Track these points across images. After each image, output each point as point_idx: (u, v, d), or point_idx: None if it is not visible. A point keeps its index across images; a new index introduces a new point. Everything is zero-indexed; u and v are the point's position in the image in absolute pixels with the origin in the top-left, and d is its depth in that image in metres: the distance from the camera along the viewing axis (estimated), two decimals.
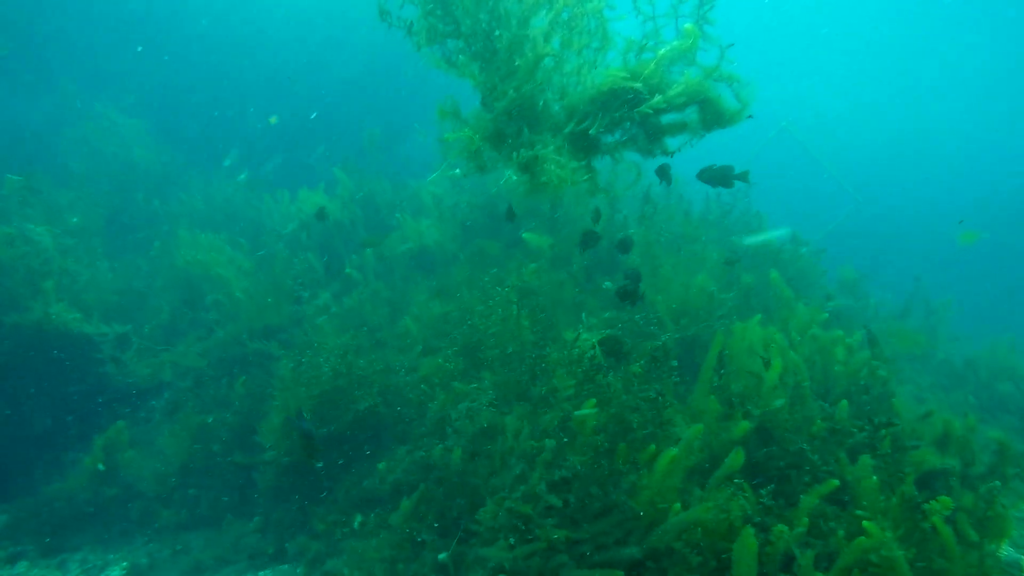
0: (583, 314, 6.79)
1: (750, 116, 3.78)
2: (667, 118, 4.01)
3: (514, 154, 4.01)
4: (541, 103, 4.01)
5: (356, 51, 16.28)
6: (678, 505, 3.58)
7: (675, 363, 4.74)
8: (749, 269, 8.52)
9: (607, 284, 8.52)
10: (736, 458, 3.62)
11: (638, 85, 3.68)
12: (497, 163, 4.38)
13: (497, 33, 3.86)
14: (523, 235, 8.92)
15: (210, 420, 7.84)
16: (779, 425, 4.05)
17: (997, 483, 3.51)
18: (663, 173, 4.49)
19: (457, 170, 4.71)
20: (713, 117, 3.86)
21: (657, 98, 3.69)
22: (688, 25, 3.83)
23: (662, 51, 3.75)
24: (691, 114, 3.95)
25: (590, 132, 3.91)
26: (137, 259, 10.89)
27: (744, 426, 3.91)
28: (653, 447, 4.03)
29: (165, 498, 7.56)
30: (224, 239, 9.97)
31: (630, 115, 3.81)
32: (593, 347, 5.70)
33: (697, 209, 9.71)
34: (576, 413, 4.59)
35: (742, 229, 8.96)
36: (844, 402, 4.18)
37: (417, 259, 10.10)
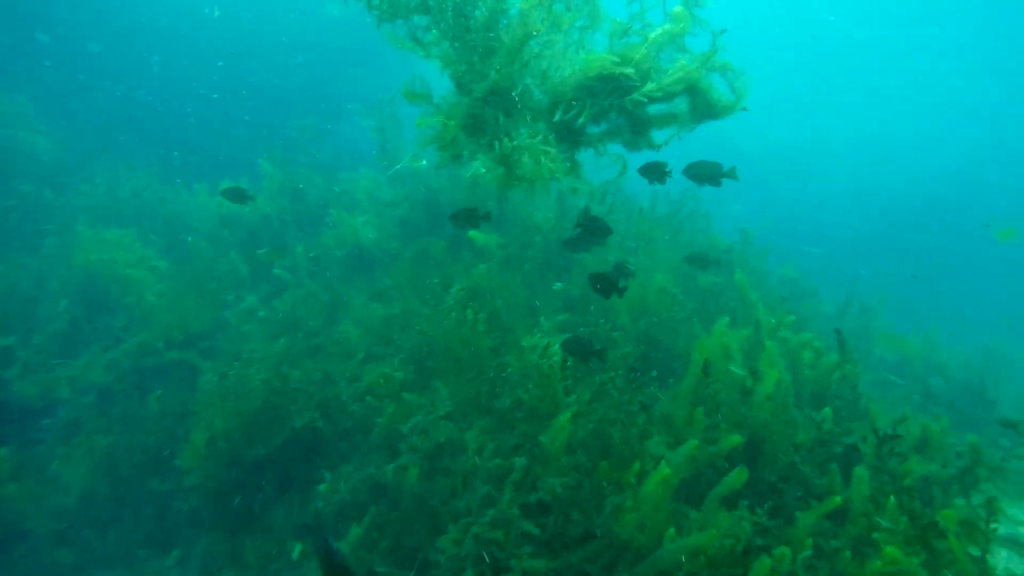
0: (541, 318, 6.43)
1: (744, 108, 3.53)
2: (655, 108, 3.71)
3: (495, 144, 3.58)
4: (520, 88, 3.60)
5: (284, 33, 15.21)
6: (672, 531, 3.29)
7: (654, 372, 4.46)
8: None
9: (558, 285, 8.23)
10: (738, 476, 3.38)
11: (629, 71, 3.35)
12: (475, 153, 3.92)
13: (470, 7, 3.41)
14: (470, 233, 8.48)
15: (118, 441, 6.88)
16: (770, 437, 3.86)
17: (995, 494, 3.47)
18: (655, 172, 4.17)
19: (424, 161, 4.23)
20: (704, 108, 3.59)
21: (650, 85, 3.37)
22: (678, 7, 3.54)
23: (652, 34, 3.43)
24: (680, 104, 3.67)
25: (578, 122, 3.55)
26: (23, 258, 9.51)
27: (735, 440, 3.68)
28: (638, 465, 3.73)
29: (61, 535, 6.55)
30: (133, 236, 8.88)
31: (619, 104, 3.48)
32: (562, 356, 5.37)
33: (645, 207, 9.61)
34: (545, 436, 4.22)
35: (692, 228, 8.93)
36: (828, 410, 4.07)
37: (354, 258, 9.42)
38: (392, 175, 10.34)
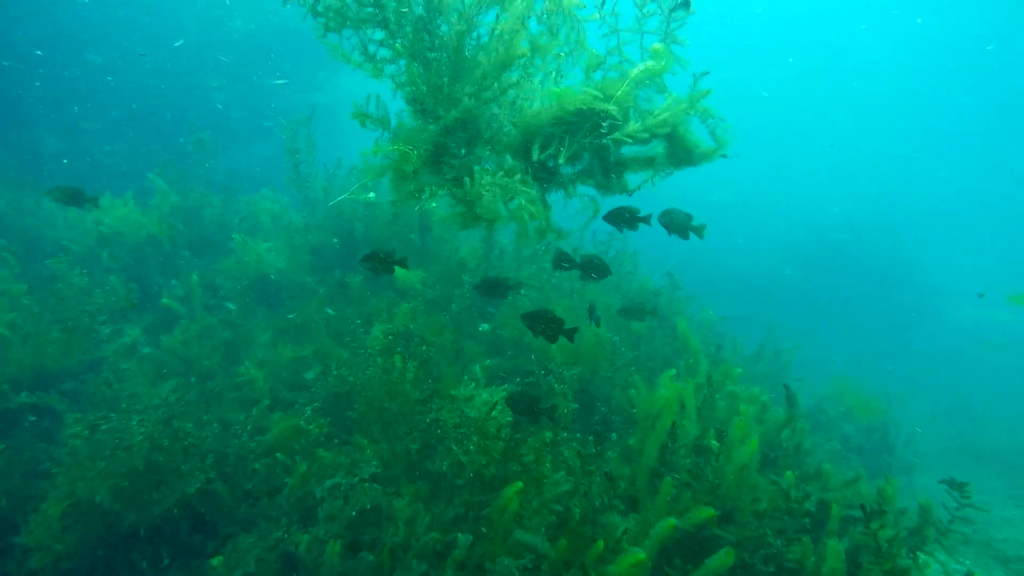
0: (476, 366, 6.01)
1: (724, 156, 3.41)
2: (631, 151, 3.51)
3: (464, 180, 3.18)
4: (489, 118, 3.25)
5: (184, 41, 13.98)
6: None
7: (614, 436, 4.18)
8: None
9: (484, 327, 7.86)
10: (724, 560, 3.13)
11: (612, 108, 3.11)
12: (435, 189, 3.48)
13: (435, 24, 3.04)
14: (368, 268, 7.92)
15: None
16: (739, 507, 3.69)
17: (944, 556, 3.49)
18: (624, 218, 3.92)
19: (371, 194, 3.74)
20: (683, 153, 3.42)
21: (635, 124, 3.15)
22: (657, 44, 3.38)
23: (634, 71, 3.23)
24: (656, 148, 3.49)
25: (559, 161, 3.25)
26: None
27: (707, 514, 3.46)
28: (602, 544, 3.39)
29: None
30: None
31: (596, 143, 3.23)
32: (498, 406, 4.97)
33: (577, 247, 9.52)
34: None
35: (619, 270, 8.94)
36: (789, 473, 3.98)
37: (258, 289, 8.51)
38: (302, 200, 9.56)
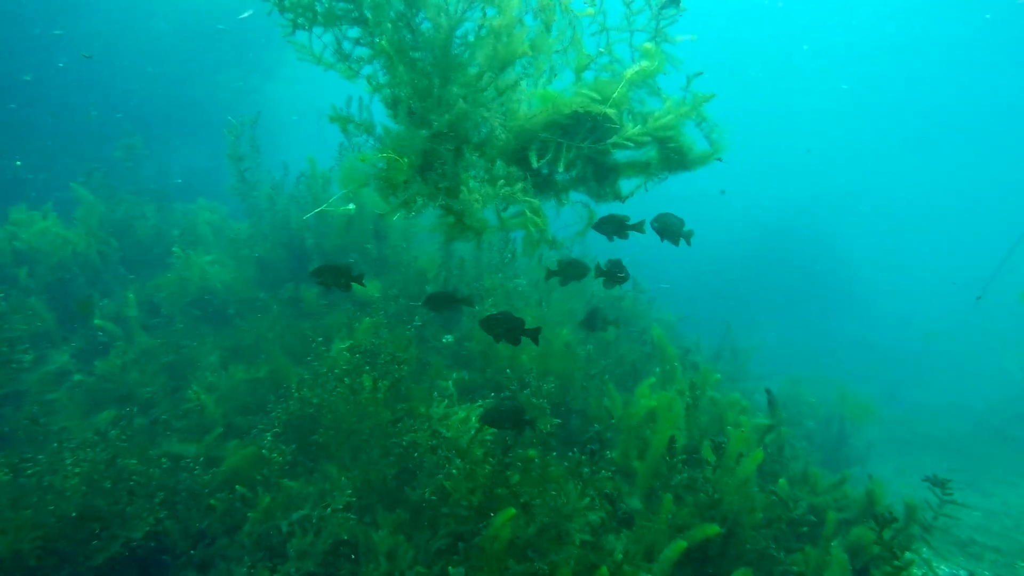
0: (448, 381, 5.73)
1: (719, 159, 3.31)
2: (624, 155, 3.36)
3: (461, 189, 2.92)
4: (475, 122, 3.02)
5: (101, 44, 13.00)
6: None
7: (611, 454, 4.01)
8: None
9: (448, 338, 7.59)
10: None
11: (610, 110, 2.95)
12: (426, 199, 3.21)
13: (417, 19, 2.79)
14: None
15: None
16: (741, 522, 3.59)
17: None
18: (615, 226, 3.73)
19: (351, 206, 3.43)
20: (676, 158, 3.30)
21: (636, 128, 3.00)
22: (648, 43, 3.25)
23: (628, 71, 3.09)
24: (650, 152, 3.35)
25: (558, 168, 3.05)
26: None
27: (711, 531, 3.34)
28: (605, 570, 3.21)
29: None
30: None
31: (597, 147, 3.06)
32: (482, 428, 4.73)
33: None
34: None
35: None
36: (783, 481, 3.93)
37: (202, 307, 7.92)
38: (248, 209, 9.00)
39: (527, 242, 3.30)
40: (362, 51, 3.07)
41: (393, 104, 3.15)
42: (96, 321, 7.27)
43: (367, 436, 4.87)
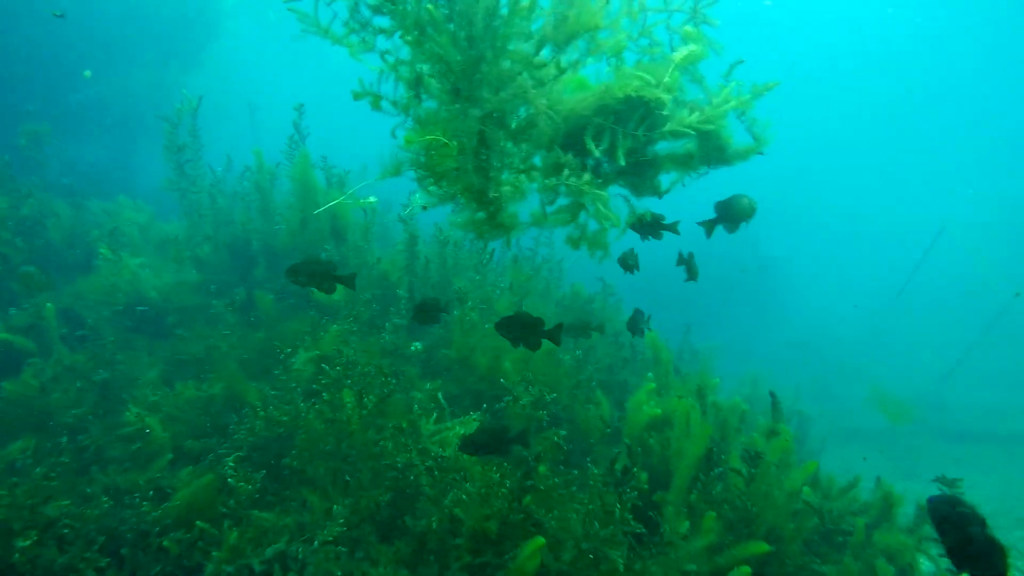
0: (439, 394, 5.27)
1: (761, 153, 3.08)
2: (665, 147, 3.07)
3: (526, 178, 2.51)
4: (514, 104, 2.63)
5: None
6: None
7: (644, 474, 3.68)
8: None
9: (416, 346, 7.10)
10: None
11: (664, 96, 2.65)
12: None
13: None
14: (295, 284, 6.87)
15: None
16: (790, 538, 3.38)
17: None
18: (652, 226, 3.42)
19: (373, 198, 2.93)
20: (716, 151, 3.04)
21: (693, 116, 2.70)
22: (688, 27, 2.99)
23: (677, 54, 2.80)
24: (689, 144, 3.08)
25: (614, 157, 2.70)
26: None
27: (760, 549, 3.11)
28: None
29: None
30: None
31: (651, 136, 2.74)
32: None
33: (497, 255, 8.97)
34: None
35: (548, 277, 8.56)
36: (807, 490, 3.78)
37: (134, 316, 7.01)
38: (187, 206, 8.10)
39: (570, 240, 2.95)
40: (382, 21, 2.61)
41: (415, 83, 2.70)
42: (1, 336, 6.24)
43: (354, 458, 4.34)
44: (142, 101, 18.30)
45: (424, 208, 2.84)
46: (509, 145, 2.71)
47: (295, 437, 4.70)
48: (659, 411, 4.73)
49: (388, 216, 10.30)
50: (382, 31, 2.70)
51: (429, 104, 2.64)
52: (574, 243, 2.96)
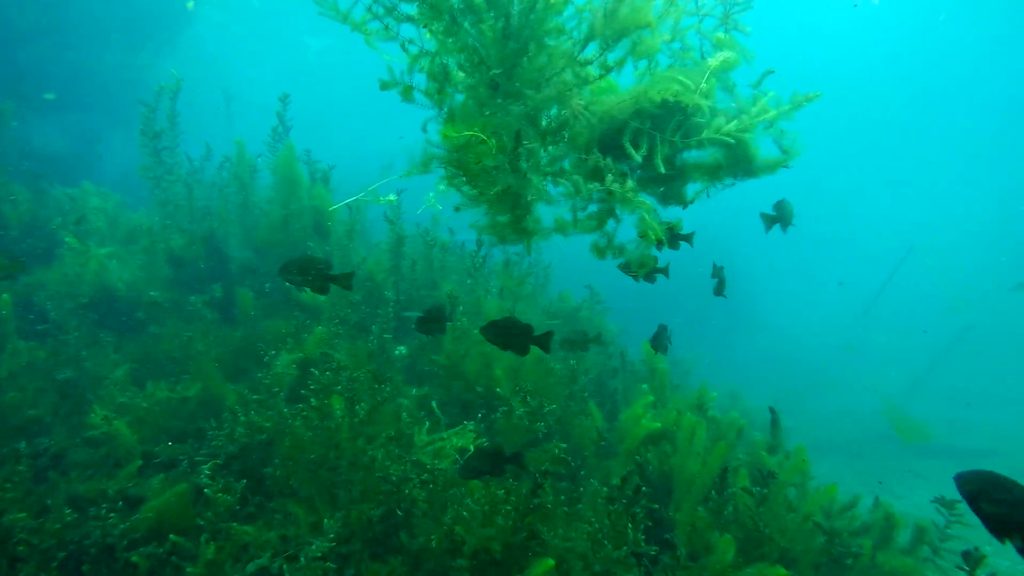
0: (434, 402, 5.05)
1: (787, 166, 2.99)
2: (692, 156, 2.94)
3: (574, 180, 2.33)
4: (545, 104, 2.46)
5: None
6: None
7: (646, 488, 3.52)
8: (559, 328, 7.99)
9: (401, 349, 6.89)
10: None
11: (703, 103, 2.52)
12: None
13: None
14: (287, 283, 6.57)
15: None
16: (805, 562, 3.28)
17: None
18: (672, 238, 3.31)
19: (392, 196, 2.72)
20: (744, 162, 2.93)
21: (731, 124, 2.58)
22: (720, 33, 2.89)
23: (712, 61, 2.68)
24: (716, 154, 2.96)
25: (656, 162, 2.55)
26: None
27: (776, 573, 2.99)
28: None
29: None
30: None
31: (688, 143, 2.61)
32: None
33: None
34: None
35: (534, 283, 8.40)
36: (816, 508, 3.69)
37: (101, 310, 6.59)
38: (161, 196, 7.70)
39: (595, 248, 2.80)
40: (408, 7, 2.41)
41: (442, 75, 2.51)
42: None
43: (344, 469, 4.09)
44: (109, 84, 17.53)
45: (457, 209, 2.65)
46: (538, 146, 2.54)
47: (279, 445, 4.43)
48: (658, 425, 4.62)
49: (370, 214, 10.02)
50: (408, 18, 2.50)
51: (459, 98, 2.45)
52: (600, 252, 2.81)
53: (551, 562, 3.05)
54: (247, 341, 5.93)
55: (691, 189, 3.10)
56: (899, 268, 17.71)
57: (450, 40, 2.34)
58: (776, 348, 24.46)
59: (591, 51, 2.35)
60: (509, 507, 3.40)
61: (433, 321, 4.71)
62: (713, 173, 2.96)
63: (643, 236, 2.60)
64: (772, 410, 5.06)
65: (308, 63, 38.07)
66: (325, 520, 3.80)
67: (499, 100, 2.31)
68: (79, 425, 4.98)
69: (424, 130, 2.50)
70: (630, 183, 2.51)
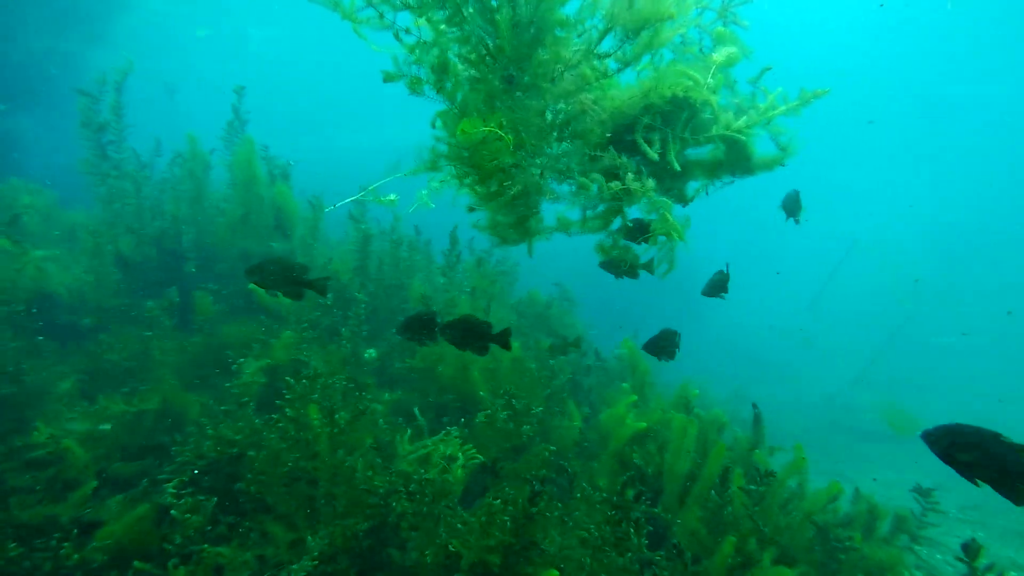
0: (414, 408, 4.87)
1: (782, 165, 2.98)
2: (694, 153, 2.88)
3: (601, 189, 2.20)
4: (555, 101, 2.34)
5: None
6: None
7: (631, 492, 3.45)
8: (531, 327, 7.92)
9: (371, 352, 6.65)
10: None
11: (712, 98, 2.46)
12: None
13: None
14: (250, 286, 6.23)
15: None
16: (805, 561, 3.27)
17: None
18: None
19: (393, 196, 2.53)
20: (742, 160, 2.90)
21: (741, 120, 2.53)
22: (720, 27, 2.84)
23: (717, 56, 2.63)
24: (716, 152, 2.92)
25: (670, 159, 2.46)
26: None
27: (783, 574, 2.98)
28: None
29: None
30: None
31: (697, 139, 2.55)
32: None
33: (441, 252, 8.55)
34: None
35: (502, 280, 8.26)
36: (807, 505, 3.72)
37: (41, 317, 6.07)
38: (107, 193, 7.16)
39: (600, 248, 2.71)
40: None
41: (440, 69, 2.36)
42: None
43: (324, 482, 3.88)
44: (32, 72, 16.30)
45: (471, 210, 2.49)
46: (555, 143, 2.42)
47: (251, 458, 4.16)
48: (644, 425, 4.59)
49: (331, 211, 9.67)
50: (405, 5, 2.33)
51: (465, 91, 2.30)
52: (605, 251, 2.71)
53: (555, 573, 2.95)
54: (208, 348, 5.59)
55: (690, 187, 3.04)
56: (844, 262, 18.53)
57: (453, 30, 2.18)
58: (726, 340, 25.14)
59: (609, 44, 2.25)
60: (507, 517, 3.27)
61: (423, 327, 4.51)
62: (713, 171, 2.91)
63: (667, 236, 2.52)
64: (755, 407, 5.12)
65: (251, 54, 36.68)
66: (308, 537, 3.58)
67: (518, 93, 2.18)
68: (23, 446, 4.56)
69: (433, 126, 2.34)
70: (650, 182, 2.43)
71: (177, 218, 7.24)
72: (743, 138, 2.57)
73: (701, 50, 2.95)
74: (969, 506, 10.25)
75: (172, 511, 3.88)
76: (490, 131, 2.13)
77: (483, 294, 6.77)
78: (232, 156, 6.99)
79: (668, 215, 2.51)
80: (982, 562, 3.49)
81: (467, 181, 2.39)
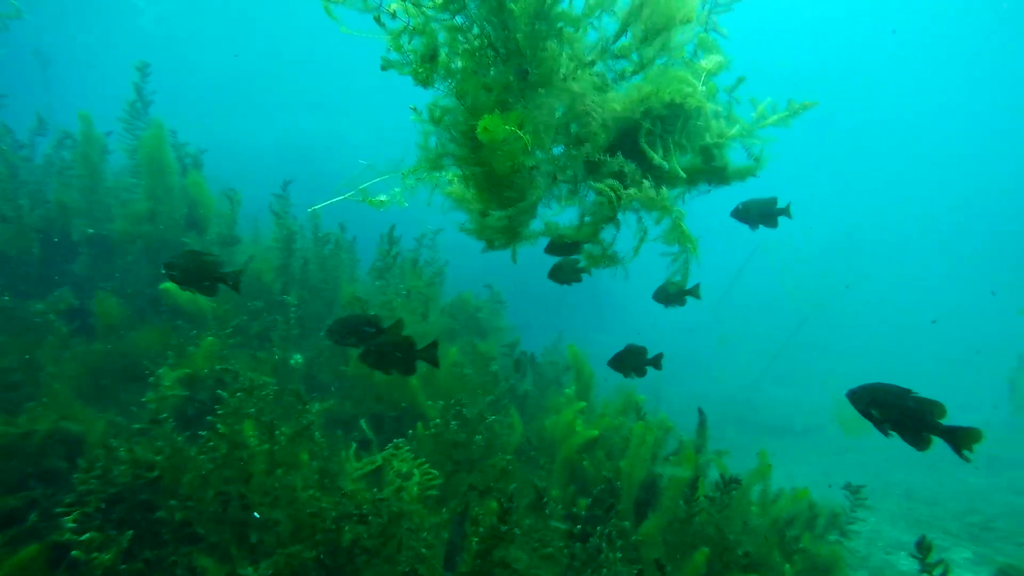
0: (362, 420, 4.52)
1: (754, 175, 3.01)
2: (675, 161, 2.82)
3: (607, 193, 2.00)
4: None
5: None
6: None
7: (585, 500, 3.33)
8: (463, 330, 7.71)
9: (297, 358, 6.21)
10: None
11: (707, 104, 2.41)
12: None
13: None
14: (163, 286, 5.59)
15: None
16: (776, 568, 3.30)
17: None
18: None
19: (383, 197, 2.23)
20: (718, 169, 2.90)
21: (734, 128, 2.49)
22: (701, 34, 2.84)
23: (707, 63, 2.60)
24: (694, 161, 2.89)
25: (673, 164, 2.35)
26: None
27: None
28: None
29: None
30: None
31: (694, 145, 2.48)
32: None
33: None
34: None
35: (438, 281, 7.97)
36: (770, 512, 3.80)
37: None
38: None
39: (588, 257, 2.59)
40: None
41: (429, 58, 2.13)
42: None
43: (266, 507, 3.49)
44: None
45: (483, 215, 2.27)
46: (569, 147, 2.27)
47: (174, 482, 3.69)
48: (596, 432, 4.55)
49: (251, 207, 8.97)
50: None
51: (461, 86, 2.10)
52: (594, 261, 2.61)
53: None
54: (111, 357, 4.94)
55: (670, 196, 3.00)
56: (747, 264, 19.76)
57: (451, 17, 1.97)
58: (634, 336, 25.99)
59: (623, 43, 2.13)
60: (476, 539, 3.08)
61: (355, 331, 4.19)
62: (692, 180, 2.89)
63: (683, 245, 2.44)
64: (700, 411, 5.24)
65: (142, 30, 33.66)
66: (250, 569, 3.20)
67: (541, 90, 1.99)
68: None
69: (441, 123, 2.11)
70: (665, 190, 2.34)
71: (66, 207, 6.39)
72: (741, 146, 2.56)
73: (691, 57, 2.93)
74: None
75: (73, 551, 3.34)
76: (511, 131, 1.93)
77: (418, 296, 6.49)
78: (137, 141, 6.25)
79: (682, 224, 2.44)
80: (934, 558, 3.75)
81: (472, 183, 2.17)
